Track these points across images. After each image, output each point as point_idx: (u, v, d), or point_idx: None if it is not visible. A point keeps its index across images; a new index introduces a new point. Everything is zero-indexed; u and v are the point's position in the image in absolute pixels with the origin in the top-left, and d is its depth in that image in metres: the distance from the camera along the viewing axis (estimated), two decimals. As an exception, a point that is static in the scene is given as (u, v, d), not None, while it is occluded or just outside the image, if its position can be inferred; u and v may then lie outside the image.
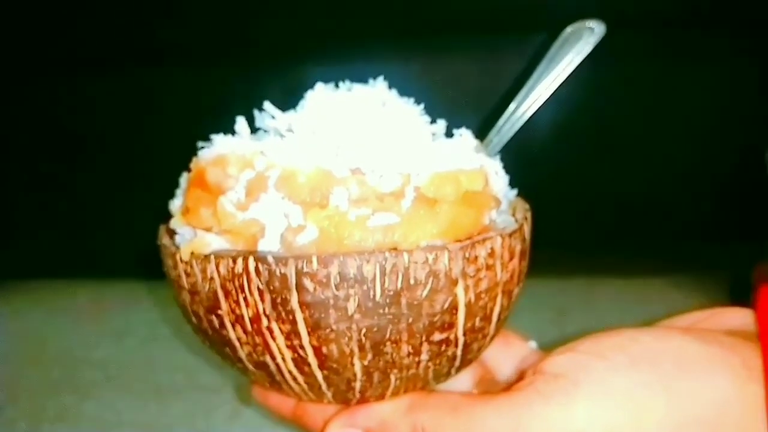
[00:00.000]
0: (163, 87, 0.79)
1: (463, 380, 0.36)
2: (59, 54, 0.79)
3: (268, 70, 0.74)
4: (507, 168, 0.33)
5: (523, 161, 0.37)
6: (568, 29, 0.37)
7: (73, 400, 0.59)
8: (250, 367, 0.29)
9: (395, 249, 0.26)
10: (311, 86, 0.31)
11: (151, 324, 0.74)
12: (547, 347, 0.31)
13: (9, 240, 0.90)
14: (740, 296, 0.32)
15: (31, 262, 0.94)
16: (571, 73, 0.36)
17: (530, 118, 0.37)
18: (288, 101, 0.32)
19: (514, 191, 0.34)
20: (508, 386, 0.28)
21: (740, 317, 0.30)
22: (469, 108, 0.40)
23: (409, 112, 0.31)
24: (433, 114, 0.32)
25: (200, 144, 0.31)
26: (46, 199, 0.85)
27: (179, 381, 0.61)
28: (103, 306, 0.80)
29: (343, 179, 0.28)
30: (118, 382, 0.62)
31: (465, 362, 0.31)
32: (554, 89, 0.36)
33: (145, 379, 0.62)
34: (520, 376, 0.28)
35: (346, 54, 0.69)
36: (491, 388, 0.35)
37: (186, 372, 0.63)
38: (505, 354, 0.37)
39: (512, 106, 0.36)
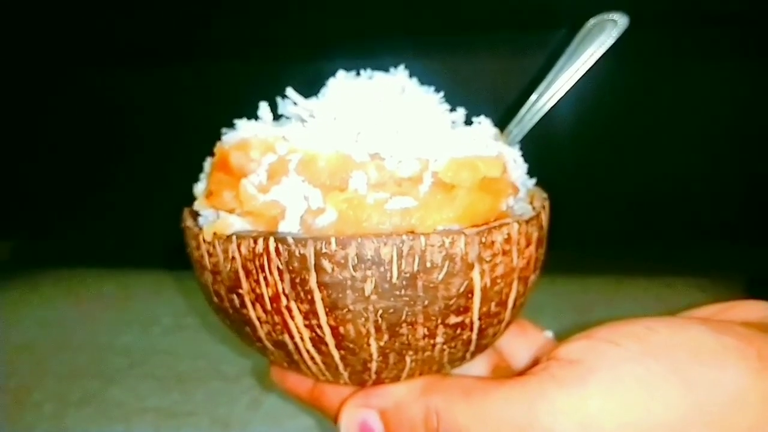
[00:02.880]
0: (191, 83, 0.81)
1: (479, 367, 0.36)
2: (88, 49, 0.80)
3: (291, 67, 0.75)
4: (527, 162, 0.32)
5: (544, 158, 0.37)
6: (591, 21, 0.37)
7: (98, 386, 0.60)
8: (269, 346, 0.30)
9: (412, 232, 0.26)
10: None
11: (176, 313, 0.75)
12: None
13: (39, 231, 0.92)
14: (757, 297, 0.31)
15: (60, 252, 0.96)
16: (595, 67, 0.36)
17: (552, 112, 0.36)
18: (311, 94, 0.32)
19: (533, 180, 0.33)
20: (523, 371, 0.28)
21: (757, 310, 0.29)
22: (490, 105, 0.40)
23: (429, 99, 0.31)
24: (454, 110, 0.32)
25: (224, 129, 0.31)
26: (75, 191, 0.87)
27: (202, 369, 0.62)
28: (130, 295, 0.82)
29: (362, 164, 0.28)
30: (142, 369, 0.63)
31: (480, 347, 0.31)
32: (576, 81, 0.36)
33: (168, 367, 0.63)
34: (535, 362, 0.28)
35: (368, 52, 0.69)
36: (506, 375, 0.35)
37: (209, 360, 0.64)
38: (520, 342, 0.37)
39: (533, 96, 0.36)
